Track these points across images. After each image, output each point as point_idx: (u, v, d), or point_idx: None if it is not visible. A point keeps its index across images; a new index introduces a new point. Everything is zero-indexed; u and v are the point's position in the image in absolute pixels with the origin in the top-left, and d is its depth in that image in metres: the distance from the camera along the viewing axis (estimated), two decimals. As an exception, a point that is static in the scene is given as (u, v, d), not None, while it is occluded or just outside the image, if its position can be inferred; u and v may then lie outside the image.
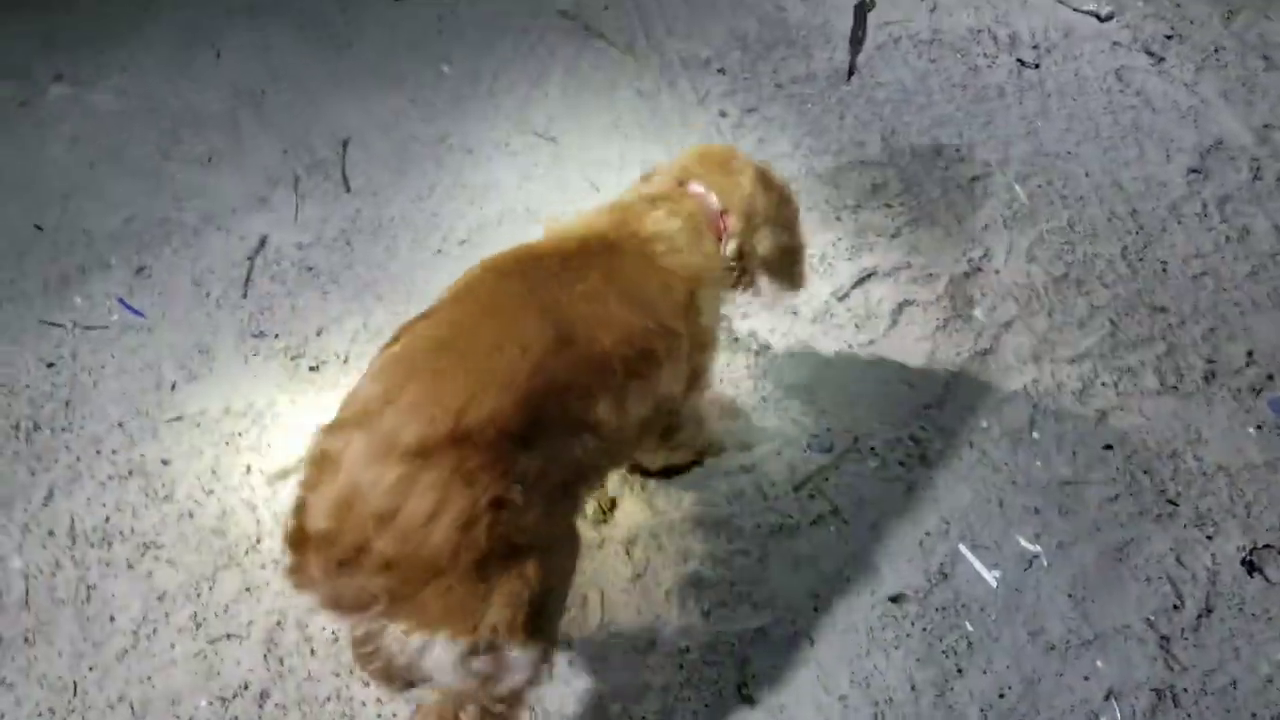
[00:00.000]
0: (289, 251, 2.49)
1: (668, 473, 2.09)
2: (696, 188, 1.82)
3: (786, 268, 1.97)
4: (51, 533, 1.99)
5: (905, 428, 2.21)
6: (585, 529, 1.98)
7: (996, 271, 2.56)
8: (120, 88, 2.97)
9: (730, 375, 2.30)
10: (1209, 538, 2.03)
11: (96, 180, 2.66)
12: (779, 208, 1.92)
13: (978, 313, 2.45)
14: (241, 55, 3.10)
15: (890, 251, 2.60)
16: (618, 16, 3.37)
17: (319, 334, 2.31)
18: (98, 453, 2.12)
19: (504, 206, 2.64)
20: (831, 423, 2.22)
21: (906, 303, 2.47)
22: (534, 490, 1.35)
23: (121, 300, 2.36)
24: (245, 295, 2.38)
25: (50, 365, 2.27)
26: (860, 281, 2.51)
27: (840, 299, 2.47)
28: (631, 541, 1.98)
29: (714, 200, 1.82)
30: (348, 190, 2.65)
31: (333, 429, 1.33)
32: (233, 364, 2.26)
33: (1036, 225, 2.71)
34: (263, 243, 2.51)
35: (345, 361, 2.26)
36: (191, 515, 2.01)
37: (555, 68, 3.13)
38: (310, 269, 2.45)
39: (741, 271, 1.88)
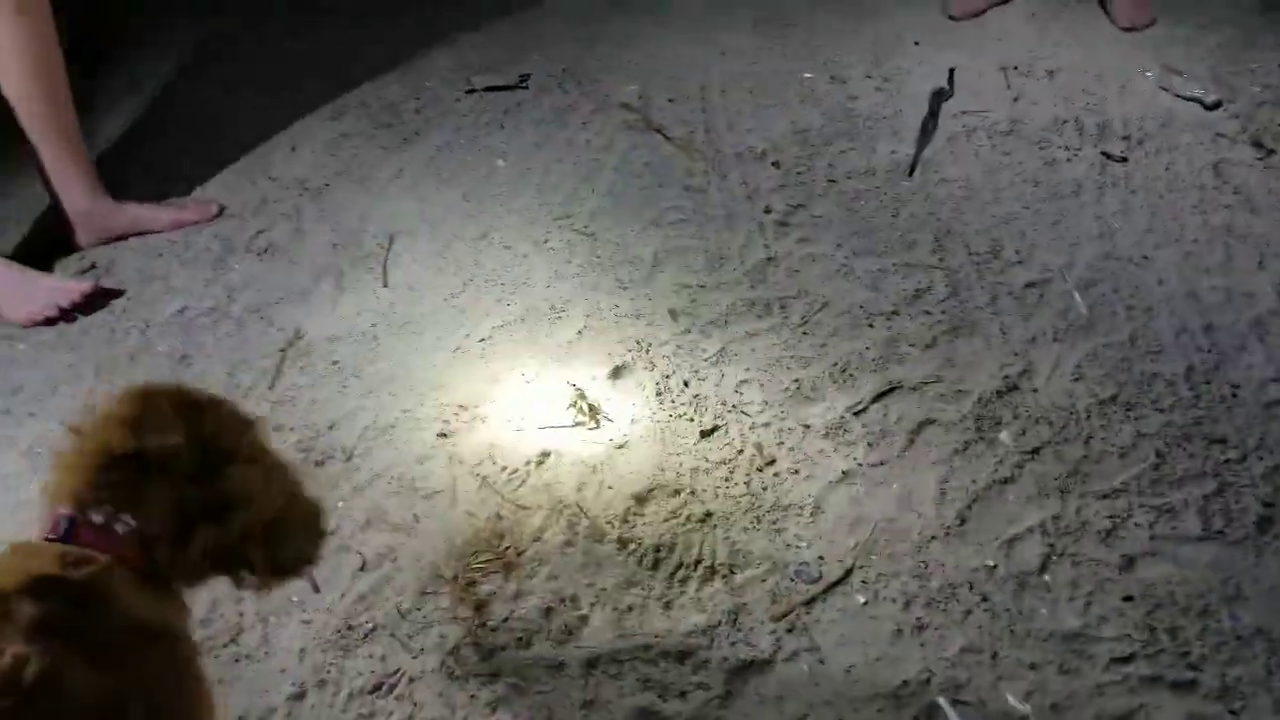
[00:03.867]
0: (320, 344, 2.58)
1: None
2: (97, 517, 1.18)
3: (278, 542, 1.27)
4: None
5: (904, 561, 2.06)
6: (545, 645, 1.94)
7: (1035, 390, 2.38)
8: (200, 181, 3.20)
9: (729, 490, 2.22)
10: (1232, 713, 1.79)
11: (162, 269, 2.86)
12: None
13: (1004, 436, 2.28)
14: (315, 149, 3.28)
15: (921, 364, 2.47)
16: (681, 111, 3.38)
17: (331, 428, 2.37)
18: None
19: (529, 305, 2.66)
20: (825, 549, 2.10)
21: (928, 421, 2.32)
22: None
23: (159, 391, 2.50)
24: (272, 387, 2.48)
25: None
26: (881, 395, 2.39)
27: (856, 414, 2.35)
28: (592, 664, 1.93)
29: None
30: (385, 285, 2.75)
31: None
32: (243, 457, 2.35)
33: (1092, 339, 2.51)
34: (298, 335, 2.62)
35: (349, 459, 2.31)
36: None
37: (608, 161, 3.15)
38: (335, 362, 2.53)
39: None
